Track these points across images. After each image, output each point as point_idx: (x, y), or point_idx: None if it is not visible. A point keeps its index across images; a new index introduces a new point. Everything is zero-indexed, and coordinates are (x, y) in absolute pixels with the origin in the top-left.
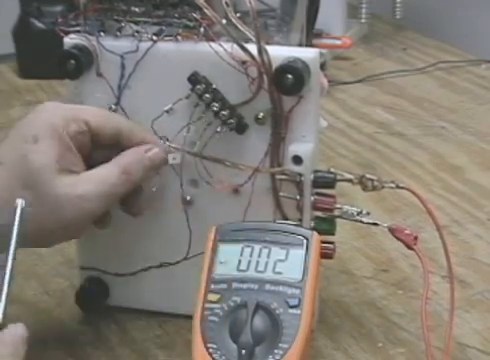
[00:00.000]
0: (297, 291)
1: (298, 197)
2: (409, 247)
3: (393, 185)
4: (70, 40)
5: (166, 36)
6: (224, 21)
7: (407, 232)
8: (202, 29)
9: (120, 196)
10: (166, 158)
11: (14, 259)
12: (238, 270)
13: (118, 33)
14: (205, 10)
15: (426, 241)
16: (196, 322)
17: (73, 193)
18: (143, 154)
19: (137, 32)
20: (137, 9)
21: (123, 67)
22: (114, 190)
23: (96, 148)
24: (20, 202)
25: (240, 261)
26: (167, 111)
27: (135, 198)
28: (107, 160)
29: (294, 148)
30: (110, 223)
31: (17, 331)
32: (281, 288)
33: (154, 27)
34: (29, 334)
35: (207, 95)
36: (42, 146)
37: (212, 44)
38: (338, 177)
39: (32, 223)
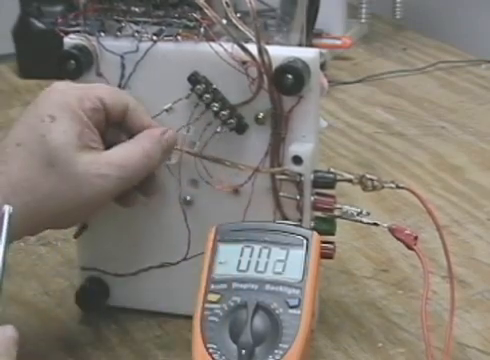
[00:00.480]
0: (297, 291)
1: (298, 197)
2: (409, 247)
3: (393, 185)
4: (70, 40)
5: (166, 36)
6: (224, 21)
7: (407, 232)
8: (202, 29)
9: (139, 180)
10: (177, 139)
11: (4, 265)
12: (238, 270)
13: (118, 33)
14: (205, 10)
15: (426, 241)
16: (196, 322)
17: (94, 172)
18: (160, 137)
19: (137, 32)
20: (137, 9)
21: (123, 67)
22: (135, 173)
23: (107, 126)
24: (7, 209)
25: (240, 261)
26: (167, 110)
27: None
28: (117, 138)
29: (294, 148)
30: (135, 202)
31: (6, 333)
32: (281, 288)
33: (154, 27)
34: (19, 335)
35: (207, 95)
36: (60, 125)
37: (212, 44)
38: (338, 177)
39: (52, 201)
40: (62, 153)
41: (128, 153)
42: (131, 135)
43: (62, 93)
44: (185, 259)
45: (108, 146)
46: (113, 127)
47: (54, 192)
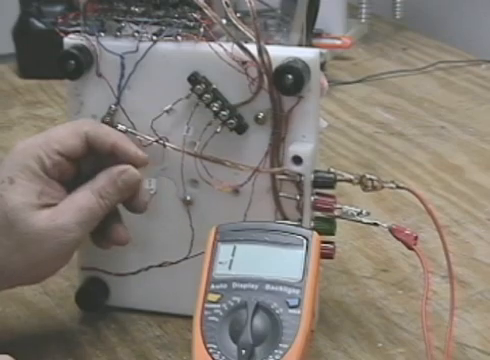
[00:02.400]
0: (297, 291)
1: (298, 197)
2: (409, 247)
3: (393, 185)
4: (70, 40)
5: (166, 36)
6: (224, 21)
7: (407, 232)
8: (202, 29)
9: (99, 220)
10: (140, 178)
11: None
12: (238, 270)
13: (118, 33)
14: (205, 10)
15: (426, 241)
16: (196, 322)
17: (53, 225)
18: (116, 177)
19: (137, 32)
20: (137, 9)
21: (123, 67)
22: (92, 216)
23: (80, 162)
24: None
25: (240, 261)
26: (167, 111)
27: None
28: (97, 167)
29: (294, 148)
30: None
31: None
32: (281, 288)
33: (154, 27)
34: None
35: (207, 95)
36: (18, 186)
37: (212, 44)
38: (338, 177)
39: (15, 257)
40: (20, 213)
41: (83, 198)
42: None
43: (22, 154)
44: (185, 259)
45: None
46: (84, 160)
47: (17, 249)
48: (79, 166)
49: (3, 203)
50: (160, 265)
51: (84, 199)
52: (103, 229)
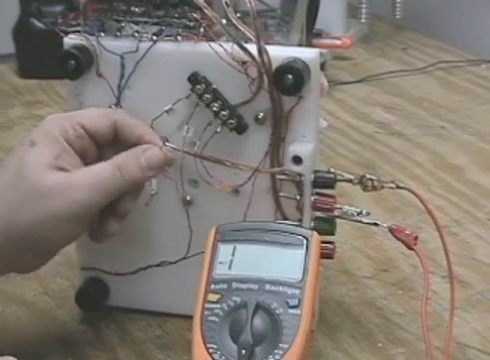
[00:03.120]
0: (297, 291)
1: (298, 197)
2: (409, 247)
3: (393, 185)
4: (70, 40)
5: (166, 36)
6: (224, 21)
7: (407, 232)
8: (202, 29)
9: (113, 194)
10: (164, 160)
11: None
12: (238, 270)
13: (118, 33)
14: (205, 10)
15: (426, 241)
16: (196, 322)
17: (63, 183)
18: (140, 153)
19: (137, 32)
20: (137, 9)
21: (123, 67)
22: (107, 184)
23: (103, 148)
24: None
25: (240, 261)
26: (167, 111)
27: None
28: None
29: (294, 148)
30: (108, 235)
31: None
32: (281, 288)
33: (154, 27)
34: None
35: (207, 95)
36: (38, 148)
37: (212, 44)
38: (338, 177)
39: (22, 211)
40: (34, 169)
41: (99, 167)
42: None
43: (49, 122)
44: (185, 258)
45: None
46: (109, 149)
47: (23, 205)
48: (101, 153)
49: (20, 161)
50: (160, 265)
51: (101, 167)
52: (99, 221)
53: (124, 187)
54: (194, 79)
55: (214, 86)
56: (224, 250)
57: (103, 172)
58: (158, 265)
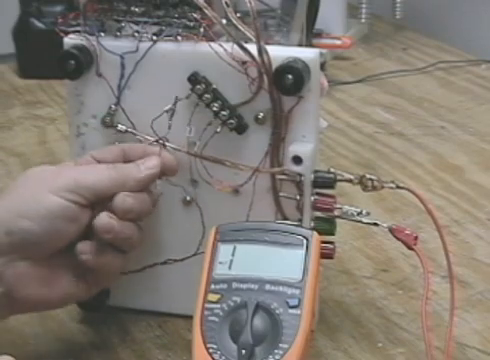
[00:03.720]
0: (297, 291)
1: (298, 197)
2: (409, 247)
3: (393, 185)
4: (70, 40)
5: (166, 36)
6: (224, 21)
7: (407, 232)
8: (202, 29)
9: (108, 191)
10: (162, 162)
11: None
12: (238, 270)
13: (118, 33)
14: (205, 10)
15: (426, 241)
16: (196, 322)
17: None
18: (139, 161)
19: (137, 32)
20: (137, 9)
21: (123, 67)
22: (100, 182)
23: None
24: None
25: (240, 261)
26: (167, 111)
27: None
28: None
29: (294, 148)
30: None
31: None
32: (281, 288)
33: (154, 27)
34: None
35: (207, 95)
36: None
37: (212, 44)
38: (338, 177)
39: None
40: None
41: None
42: None
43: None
44: (185, 259)
45: None
46: None
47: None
48: None
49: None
50: (159, 264)
51: (97, 167)
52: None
53: (117, 184)
54: (194, 79)
55: (214, 86)
56: (224, 250)
57: (98, 168)
58: (159, 265)
